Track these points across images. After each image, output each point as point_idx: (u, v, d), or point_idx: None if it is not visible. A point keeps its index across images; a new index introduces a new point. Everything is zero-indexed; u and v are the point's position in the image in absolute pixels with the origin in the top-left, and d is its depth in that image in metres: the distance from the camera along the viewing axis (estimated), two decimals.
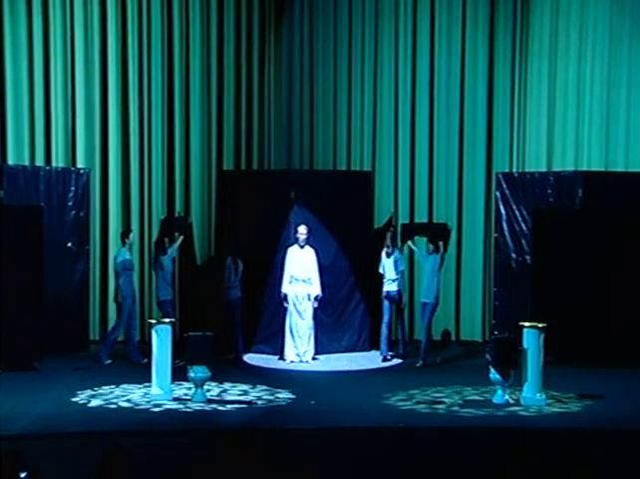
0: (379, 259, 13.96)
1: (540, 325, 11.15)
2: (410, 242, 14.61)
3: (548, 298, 13.30)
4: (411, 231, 14.95)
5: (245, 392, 11.57)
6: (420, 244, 14.45)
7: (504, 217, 14.59)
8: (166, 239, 13.82)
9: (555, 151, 15.54)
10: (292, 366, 13.52)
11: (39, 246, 13.03)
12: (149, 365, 11.32)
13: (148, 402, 10.91)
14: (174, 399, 11.01)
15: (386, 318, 13.79)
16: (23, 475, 6.20)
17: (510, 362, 10.96)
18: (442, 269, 13.90)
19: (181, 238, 14.02)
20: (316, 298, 13.79)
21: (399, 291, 13.91)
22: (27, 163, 14.43)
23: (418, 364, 13.42)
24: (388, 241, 13.89)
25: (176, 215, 15.02)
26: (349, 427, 9.97)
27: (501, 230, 14.64)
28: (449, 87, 15.74)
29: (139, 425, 9.96)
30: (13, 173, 13.65)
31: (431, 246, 13.80)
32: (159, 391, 11.02)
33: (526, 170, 15.27)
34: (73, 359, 13.33)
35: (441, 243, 13.86)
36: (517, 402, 10.97)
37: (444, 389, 11.72)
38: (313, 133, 15.79)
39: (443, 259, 13.85)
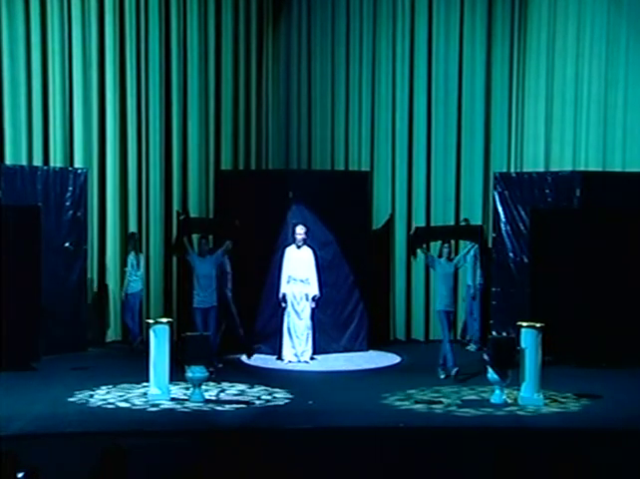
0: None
1: (538, 325, 11.15)
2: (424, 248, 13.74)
3: (546, 298, 13.29)
4: (426, 235, 14.26)
5: (243, 392, 11.57)
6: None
7: (502, 216, 14.58)
8: (185, 239, 13.40)
9: (553, 151, 15.56)
10: (290, 366, 13.51)
11: (36, 246, 13.03)
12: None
13: (146, 402, 10.91)
14: (172, 399, 11.00)
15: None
16: (20, 475, 6.20)
17: (508, 362, 10.96)
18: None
19: (229, 242, 13.27)
20: (314, 299, 13.78)
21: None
22: (25, 162, 14.41)
23: (453, 373, 12.42)
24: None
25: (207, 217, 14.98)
26: (347, 427, 9.97)
27: (499, 229, 14.63)
28: (446, 87, 15.76)
29: (137, 425, 9.95)
30: (11, 172, 13.63)
31: (445, 251, 12.89)
32: (157, 391, 11.02)
33: (524, 169, 15.28)
34: (71, 359, 13.33)
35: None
36: (515, 402, 10.97)
37: (441, 389, 11.72)
38: (311, 132, 15.80)
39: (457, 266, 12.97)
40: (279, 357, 13.78)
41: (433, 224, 15.53)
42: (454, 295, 12.81)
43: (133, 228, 15.02)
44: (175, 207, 15.11)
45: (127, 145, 15.08)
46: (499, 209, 14.63)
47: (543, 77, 15.54)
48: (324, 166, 15.73)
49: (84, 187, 14.24)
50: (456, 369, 12.43)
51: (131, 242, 14.46)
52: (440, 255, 12.98)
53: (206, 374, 11.06)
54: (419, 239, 13.46)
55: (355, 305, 14.59)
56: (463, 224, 14.85)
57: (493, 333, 14.05)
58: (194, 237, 13.98)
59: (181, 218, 14.07)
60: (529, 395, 10.93)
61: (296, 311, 13.75)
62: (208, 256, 13.10)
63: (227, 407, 10.76)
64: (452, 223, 15.55)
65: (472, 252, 14.06)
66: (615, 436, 9.65)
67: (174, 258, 14.85)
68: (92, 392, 11.32)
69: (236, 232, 13.67)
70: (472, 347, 14.54)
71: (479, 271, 14.65)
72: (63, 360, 13.20)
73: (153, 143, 15.16)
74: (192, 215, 14.93)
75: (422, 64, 15.76)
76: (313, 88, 15.80)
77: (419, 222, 15.62)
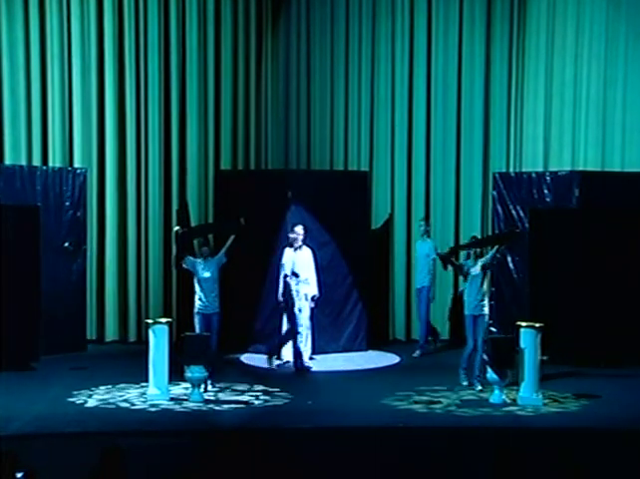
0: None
1: (537, 325, 11.15)
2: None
3: (545, 298, 13.30)
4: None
5: (242, 392, 11.57)
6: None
7: (501, 216, 14.57)
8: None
9: (552, 150, 15.55)
10: (289, 366, 13.50)
11: (36, 246, 13.04)
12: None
13: (145, 402, 10.91)
14: (172, 399, 11.01)
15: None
16: (19, 475, 6.21)
17: (507, 362, 10.96)
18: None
19: (232, 238, 12.28)
20: (313, 298, 13.77)
21: None
22: (24, 162, 14.42)
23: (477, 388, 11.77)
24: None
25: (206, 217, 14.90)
26: (346, 427, 9.96)
27: (499, 229, 14.61)
28: (446, 86, 15.75)
29: (136, 425, 9.96)
30: (10, 172, 13.63)
31: (472, 255, 12.17)
32: (156, 391, 11.02)
33: (523, 169, 15.27)
34: (70, 359, 13.33)
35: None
36: (514, 402, 10.97)
37: (441, 389, 11.72)
38: (310, 132, 15.80)
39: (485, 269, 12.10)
40: (278, 357, 13.76)
41: (432, 224, 15.41)
42: (482, 298, 11.91)
43: (132, 227, 15.03)
44: (175, 206, 15.09)
45: (126, 145, 15.09)
46: (498, 208, 14.62)
47: (542, 77, 15.53)
48: (323, 166, 15.73)
49: (83, 187, 14.24)
50: (478, 382, 11.78)
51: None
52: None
53: (206, 374, 11.06)
54: (452, 254, 12.61)
55: (354, 305, 14.59)
56: (421, 223, 14.66)
57: (493, 332, 14.09)
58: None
59: (179, 231, 12.70)
60: (528, 395, 10.94)
61: None
62: (210, 258, 12.21)
63: (227, 407, 10.77)
64: (451, 222, 15.56)
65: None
66: (615, 436, 9.65)
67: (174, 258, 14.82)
68: (91, 392, 11.33)
69: (241, 230, 12.62)
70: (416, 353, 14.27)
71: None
72: (62, 360, 13.20)
73: (152, 142, 15.16)
74: (191, 214, 14.88)
75: (421, 64, 15.75)
76: (312, 87, 15.80)
77: (418, 221, 15.60)
